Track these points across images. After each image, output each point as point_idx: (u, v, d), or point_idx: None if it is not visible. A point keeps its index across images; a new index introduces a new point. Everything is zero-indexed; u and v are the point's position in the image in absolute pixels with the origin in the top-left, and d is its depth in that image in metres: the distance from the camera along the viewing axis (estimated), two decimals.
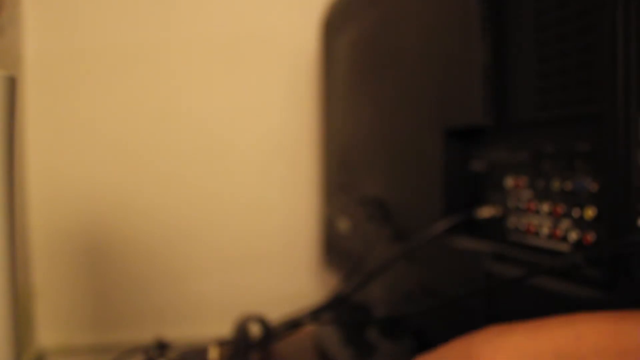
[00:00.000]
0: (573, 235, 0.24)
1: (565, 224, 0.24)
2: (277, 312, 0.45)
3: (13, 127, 0.24)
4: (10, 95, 0.24)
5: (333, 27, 0.53)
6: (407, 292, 0.36)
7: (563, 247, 0.25)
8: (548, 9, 0.25)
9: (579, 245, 0.24)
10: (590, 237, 0.23)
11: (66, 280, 0.55)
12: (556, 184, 0.25)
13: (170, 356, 0.46)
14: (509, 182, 0.29)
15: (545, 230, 0.26)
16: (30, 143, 0.55)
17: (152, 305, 0.55)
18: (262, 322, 0.43)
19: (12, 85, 0.24)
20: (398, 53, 0.38)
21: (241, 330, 0.44)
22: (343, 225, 0.50)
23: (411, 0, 0.36)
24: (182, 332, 0.50)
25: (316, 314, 0.46)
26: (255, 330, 0.43)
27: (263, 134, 0.59)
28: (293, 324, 0.43)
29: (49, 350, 0.55)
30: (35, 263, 0.55)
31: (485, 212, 0.30)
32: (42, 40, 0.55)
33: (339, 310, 0.42)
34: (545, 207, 0.26)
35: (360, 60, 0.46)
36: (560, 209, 0.25)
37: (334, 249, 0.54)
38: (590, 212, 0.23)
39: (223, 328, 0.47)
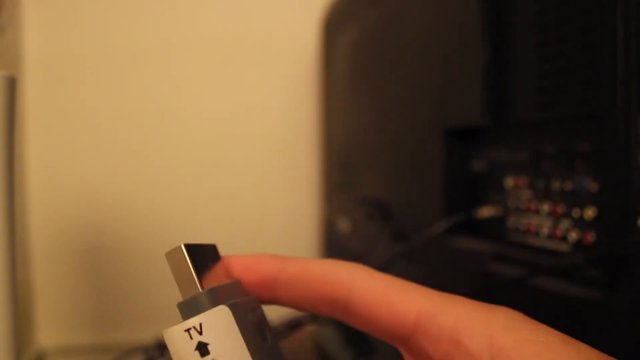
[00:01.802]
0: (573, 235, 0.24)
1: (565, 224, 0.24)
2: (277, 312, 0.45)
3: (13, 127, 0.24)
4: (10, 95, 0.24)
5: (333, 27, 0.53)
6: None
7: (563, 247, 0.25)
8: (548, 9, 0.25)
9: (579, 245, 0.24)
10: (590, 237, 0.23)
11: (66, 280, 0.55)
12: (556, 184, 0.25)
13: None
14: (509, 182, 0.29)
15: (545, 230, 0.26)
16: (30, 143, 0.55)
17: (152, 305, 0.55)
18: None
19: (12, 85, 0.24)
20: (398, 53, 0.38)
21: None
22: (343, 225, 0.50)
23: (411, 0, 0.36)
24: None
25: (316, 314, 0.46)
26: None
27: (263, 133, 0.59)
28: (293, 324, 0.43)
29: (49, 350, 0.55)
30: (35, 263, 0.55)
31: (485, 212, 0.30)
32: (42, 40, 0.55)
33: None
34: (545, 207, 0.26)
35: (360, 60, 0.46)
36: (560, 209, 0.25)
37: (334, 249, 0.54)
38: (590, 212, 0.23)
39: None
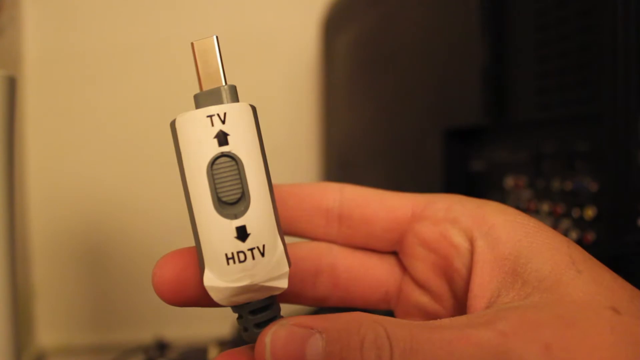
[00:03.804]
0: (573, 235, 0.24)
1: (565, 224, 0.24)
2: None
3: (13, 127, 0.24)
4: (10, 95, 0.24)
5: (333, 27, 0.53)
6: None
7: None
8: (548, 9, 0.25)
9: (578, 245, 0.24)
10: (590, 237, 0.23)
11: (66, 280, 0.55)
12: (556, 184, 0.25)
13: (170, 356, 0.46)
14: (509, 182, 0.29)
15: None
16: (30, 143, 0.55)
17: (152, 305, 0.55)
18: None
19: (12, 85, 0.24)
20: (398, 53, 0.38)
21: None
22: None
23: (411, 0, 0.36)
24: (182, 332, 0.50)
25: (316, 314, 0.46)
26: None
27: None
28: None
29: (49, 350, 0.55)
30: (35, 263, 0.55)
31: None
32: (42, 40, 0.55)
33: (339, 310, 0.42)
34: (545, 207, 0.26)
35: (361, 60, 0.46)
36: (560, 209, 0.25)
37: None
38: (590, 212, 0.23)
39: (223, 328, 0.47)
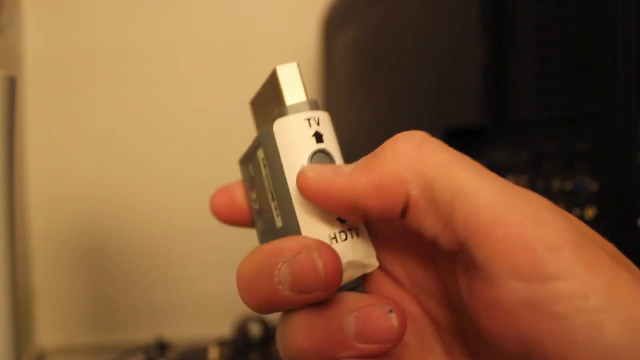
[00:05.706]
0: None
1: None
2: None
3: (13, 127, 0.24)
4: (10, 95, 0.24)
5: (333, 27, 0.53)
6: None
7: None
8: (548, 9, 0.25)
9: None
10: None
11: (66, 280, 0.55)
12: (556, 184, 0.25)
13: (170, 356, 0.46)
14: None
15: None
16: (30, 143, 0.55)
17: (152, 305, 0.56)
18: (262, 322, 0.43)
19: (12, 85, 0.24)
20: (398, 53, 0.38)
21: (241, 330, 0.44)
22: None
23: (411, 0, 0.36)
24: (182, 332, 0.50)
25: None
26: (255, 330, 0.43)
27: None
28: None
29: (49, 350, 0.55)
30: (35, 263, 0.55)
31: None
32: (42, 40, 0.55)
33: None
34: None
35: (361, 60, 0.46)
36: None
37: None
38: (590, 212, 0.23)
39: (223, 328, 0.47)
